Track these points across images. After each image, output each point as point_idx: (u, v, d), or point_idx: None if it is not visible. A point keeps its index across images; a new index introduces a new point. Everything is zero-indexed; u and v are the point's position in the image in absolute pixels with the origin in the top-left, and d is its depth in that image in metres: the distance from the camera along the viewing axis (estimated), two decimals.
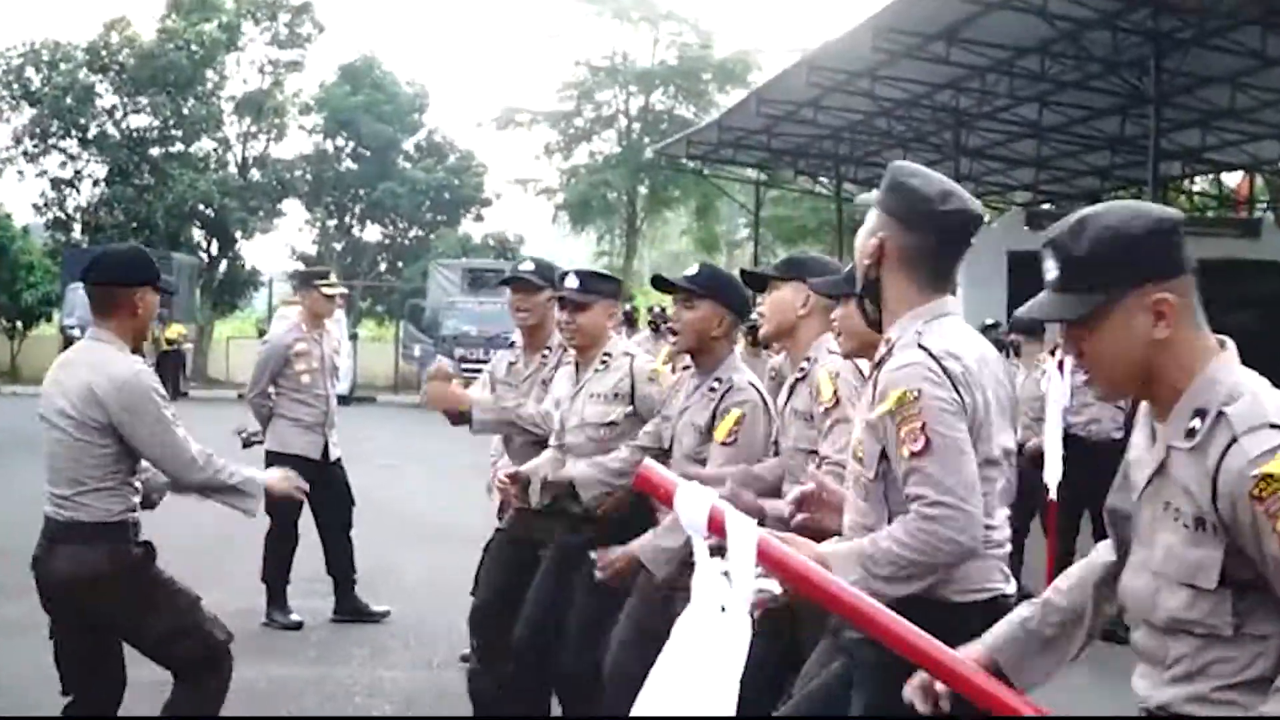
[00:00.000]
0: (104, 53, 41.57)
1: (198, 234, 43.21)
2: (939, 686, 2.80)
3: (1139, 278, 2.51)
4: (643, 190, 47.42)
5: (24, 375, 33.45)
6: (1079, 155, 26.48)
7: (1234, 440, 2.39)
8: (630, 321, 15.35)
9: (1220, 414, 2.43)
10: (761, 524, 2.54)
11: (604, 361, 5.88)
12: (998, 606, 3.23)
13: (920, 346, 3.33)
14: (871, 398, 3.46)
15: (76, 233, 41.87)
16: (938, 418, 3.24)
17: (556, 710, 6.14)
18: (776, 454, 4.88)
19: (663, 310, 16.26)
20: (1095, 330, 2.56)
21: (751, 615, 1.97)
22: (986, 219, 3.49)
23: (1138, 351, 2.53)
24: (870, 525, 3.43)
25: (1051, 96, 21.82)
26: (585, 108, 47.52)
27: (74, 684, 5.11)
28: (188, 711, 5.11)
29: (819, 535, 3.51)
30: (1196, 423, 2.44)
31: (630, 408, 5.78)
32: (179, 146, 42.52)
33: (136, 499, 5.09)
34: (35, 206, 42.47)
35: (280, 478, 5.57)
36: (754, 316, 5.73)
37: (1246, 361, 2.56)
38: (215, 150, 43.87)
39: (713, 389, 5.11)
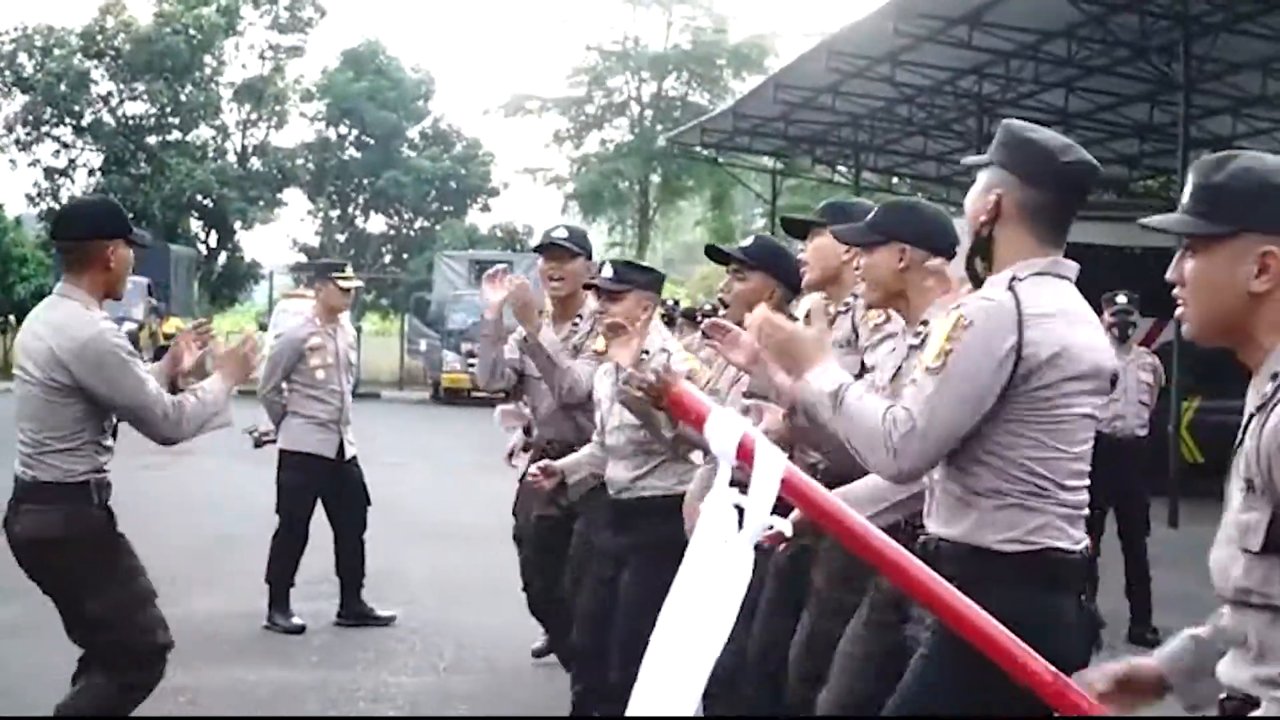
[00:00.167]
0: (99, 38, 41.69)
1: (196, 225, 43.65)
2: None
3: (1259, 222, 2.54)
4: (655, 179, 47.62)
5: None
6: (1106, 143, 26.13)
7: None
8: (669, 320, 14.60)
9: None
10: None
11: (644, 357, 5.89)
12: (1047, 559, 3.35)
13: (1010, 289, 3.38)
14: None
15: None
16: (971, 360, 3.32)
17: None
18: None
19: (675, 303, 16.60)
20: (1203, 257, 2.60)
21: (760, 550, 2.14)
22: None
23: (1232, 297, 2.57)
24: None
25: (1078, 82, 21.70)
26: (596, 94, 47.63)
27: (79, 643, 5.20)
28: (97, 703, 5.08)
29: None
30: (1269, 386, 2.47)
31: None
32: (176, 135, 42.99)
33: (104, 459, 5.12)
34: (28, 197, 42.63)
35: (223, 371, 5.42)
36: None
37: None
38: (214, 138, 44.34)
39: None
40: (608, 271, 6.03)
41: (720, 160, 36.24)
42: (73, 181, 42.49)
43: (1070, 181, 3.51)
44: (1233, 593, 2.51)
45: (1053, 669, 2.56)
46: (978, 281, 3.58)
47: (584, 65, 46.97)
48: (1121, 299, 9.79)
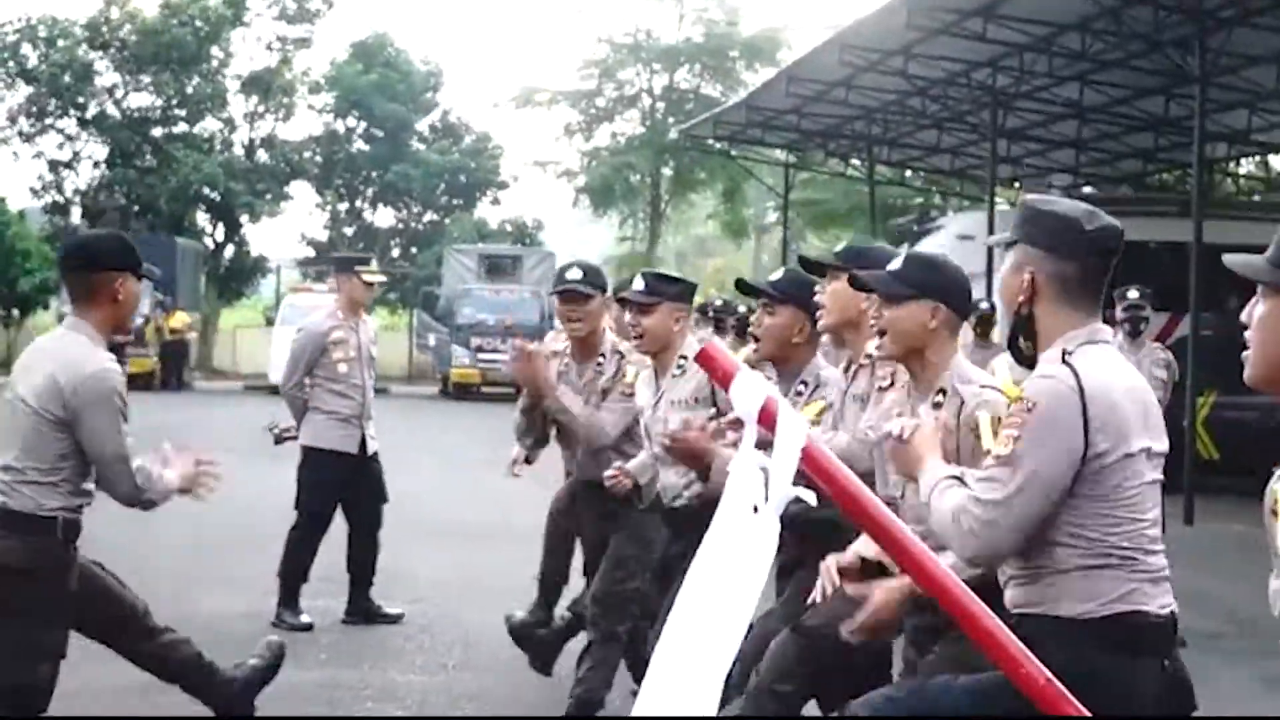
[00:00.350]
0: (104, 28, 41.55)
1: (202, 218, 43.39)
2: None
3: None
4: (667, 172, 47.39)
5: None
6: (1121, 137, 26.37)
7: None
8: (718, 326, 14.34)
9: None
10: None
11: (680, 366, 6.01)
12: (1126, 624, 3.40)
13: (1065, 362, 3.45)
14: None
15: (75, 217, 41.83)
16: (1041, 444, 3.39)
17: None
18: None
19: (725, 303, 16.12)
20: (1270, 305, 2.64)
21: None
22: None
23: None
24: None
25: (1092, 75, 21.59)
26: (607, 87, 47.38)
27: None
28: None
29: None
30: None
31: (713, 410, 5.77)
32: (182, 127, 42.75)
33: (80, 500, 5.11)
34: (32, 189, 42.41)
35: (183, 474, 5.44)
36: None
37: None
38: (220, 131, 44.10)
39: (799, 392, 5.23)
40: (638, 284, 6.09)
41: (733, 154, 36.08)
42: (77, 174, 42.49)
43: (1098, 248, 3.57)
44: None
45: (1048, 674, 2.50)
46: (1024, 361, 3.67)
47: (595, 57, 46.71)
48: (1133, 294, 9.63)
